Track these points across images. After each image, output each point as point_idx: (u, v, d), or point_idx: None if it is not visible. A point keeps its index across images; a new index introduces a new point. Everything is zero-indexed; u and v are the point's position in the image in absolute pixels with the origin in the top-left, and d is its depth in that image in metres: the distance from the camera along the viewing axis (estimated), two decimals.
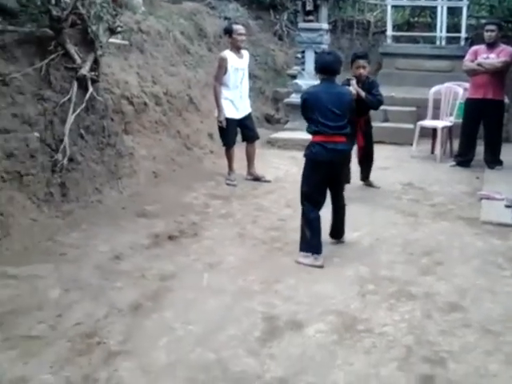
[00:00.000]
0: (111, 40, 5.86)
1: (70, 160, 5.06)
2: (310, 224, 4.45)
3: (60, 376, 2.91)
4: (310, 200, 4.49)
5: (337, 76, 4.57)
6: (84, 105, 5.26)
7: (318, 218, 4.48)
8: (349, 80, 5.93)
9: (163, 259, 4.41)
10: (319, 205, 4.51)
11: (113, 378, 2.92)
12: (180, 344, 3.25)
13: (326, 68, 4.50)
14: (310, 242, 4.44)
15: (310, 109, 4.47)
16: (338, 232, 4.82)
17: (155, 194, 5.87)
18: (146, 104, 6.48)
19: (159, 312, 3.60)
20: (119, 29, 5.76)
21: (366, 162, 6.41)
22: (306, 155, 4.55)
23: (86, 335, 3.29)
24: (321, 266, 4.36)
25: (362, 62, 5.96)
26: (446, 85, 8.33)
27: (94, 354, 3.11)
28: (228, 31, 6.46)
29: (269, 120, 9.82)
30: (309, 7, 8.66)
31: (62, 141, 5.00)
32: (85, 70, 5.30)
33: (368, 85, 6.02)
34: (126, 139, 6.00)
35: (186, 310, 3.62)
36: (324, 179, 4.50)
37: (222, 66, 6.31)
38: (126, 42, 6.66)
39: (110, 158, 5.57)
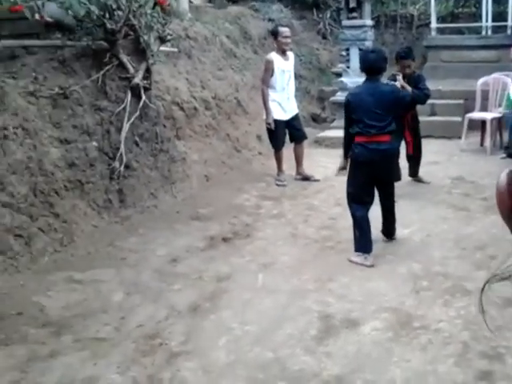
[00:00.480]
0: (161, 48, 6.03)
1: (126, 167, 5.25)
2: (358, 224, 4.50)
3: (127, 376, 3.06)
4: (356, 200, 4.52)
5: (383, 74, 4.59)
6: (138, 113, 5.44)
7: (366, 217, 4.49)
8: (395, 75, 5.91)
9: (218, 261, 4.52)
10: (366, 205, 4.52)
11: (176, 377, 3.04)
12: (238, 344, 3.33)
13: (370, 67, 4.48)
14: (360, 242, 4.48)
15: (353, 110, 4.48)
16: (388, 230, 4.84)
17: (208, 197, 6.00)
18: (195, 109, 6.62)
19: (217, 312, 3.70)
20: (169, 37, 5.92)
21: (415, 158, 6.38)
22: (349, 156, 4.58)
23: (149, 336, 3.42)
24: (370, 266, 4.38)
25: (406, 62, 5.95)
26: (494, 75, 8.16)
27: (157, 355, 3.23)
28: (274, 33, 6.54)
29: (315, 119, 9.83)
30: (352, 4, 8.67)
31: (118, 149, 5.19)
32: (138, 79, 5.47)
33: (414, 79, 5.98)
34: (178, 144, 6.15)
35: (242, 310, 3.71)
36: (368, 179, 4.50)
37: (269, 69, 6.38)
38: (175, 49, 6.82)
39: (163, 163, 5.74)
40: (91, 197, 4.96)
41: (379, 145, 4.43)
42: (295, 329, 3.47)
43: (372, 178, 4.52)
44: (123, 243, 4.81)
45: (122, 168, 5.16)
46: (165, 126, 5.95)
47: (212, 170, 6.54)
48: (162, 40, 5.89)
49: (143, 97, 5.52)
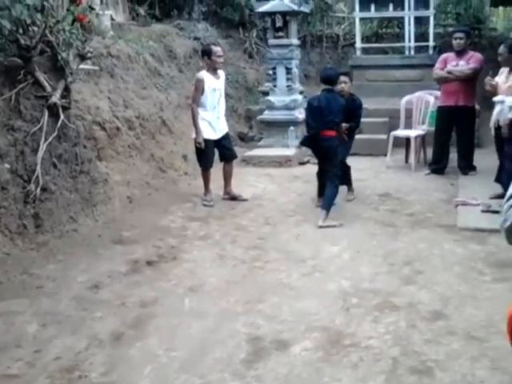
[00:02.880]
0: (81, 66, 5.81)
1: (43, 190, 4.97)
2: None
3: None
4: None
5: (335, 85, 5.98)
6: (56, 133, 5.19)
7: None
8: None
9: (143, 285, 4.34)
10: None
11: None
12: (165, 371, 3.19)
13: (328, 79, 5.93)
14: None
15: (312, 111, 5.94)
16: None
17: (131, 219, 5.80)
18: (118, 129, 6.43)
19: (142, 340, 3.54)
20: (89, 54, 5.71)
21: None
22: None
23: (67, 369, 3.20)
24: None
25: (343, 78, 6.23)
26: (417, 94, 8.42)
27: None
28: (207, 53, 6.43)
29: (242, 138, 9.81)
30: (278, 23, 8.73)
31: (34, 171, 4.91)
32: (55, 98, 5.23)
33: (350, 102, 6.19)
34: (100, 165, 5.93)
35: (169, 336, 3.57)
36: None
37: (199, 87, 6.29)
38: (96, 68, 6.61)
39: (83, 185, 5.49)
40: (3, 222, 4.64)
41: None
42: (224, 353, 3.37)
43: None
44: (40, 271, 4.52)
45: (38, 191, 4.87)
46: (85, 146, 5.71)
47: (136, 192, 6.33)
48: (82, 57, 5.67)
49: (61, 116, 5.28)
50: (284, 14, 8.66)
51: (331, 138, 5.85)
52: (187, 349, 3.41)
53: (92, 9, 5.99)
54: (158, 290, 4.26)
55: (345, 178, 6.39)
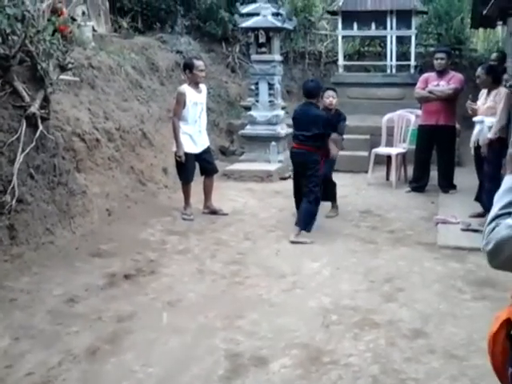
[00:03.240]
0: (61, 77, 5.74)
1: (19, 201, 4.87)
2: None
3: None
4: None
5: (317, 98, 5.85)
6: (34, 144, 5.11)
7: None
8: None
9: (120, 300, 4.27)
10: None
11: None
12: None
13: (308, 92, 5.80)
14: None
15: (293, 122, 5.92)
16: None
17: (110, 232, 5.72)
18: (98, 140, 6.35)
19: (118, 355, 3.47)
20: (70, 65, 5.65)
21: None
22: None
23: None
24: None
25: (331, 92, 6.36)
26: (398, 112, 8.49)
27: None
28: (189, 66, 6.41)
29: (224, 152, 9.79)
30: (261, 39, 8.74)
31: (10, 181, 4.81)
32: (34, 108, 5.16)
33: (336, 117, 6.30)
34: (78, 177, 5.84)
35: (146, 352, 3.51)
36: None
37: (181, 101, 6.26)
38: (77, 79, 6.54)
39: (61, 197, 5.40)
40: None
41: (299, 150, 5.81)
42: (202, 369, 3.31)
43: None
44: (14, 283, 4.41)
45: (13, 202, 4.77)
46: (64, 157, 5.63)
47: (114, 204, 6.24)
48: (63, 68, 5.61)
49: (40, 127, 5.20)
50: (267, 30, 8.69)
51: (304, 152, 5.72)
52: (164, 365, 3.36)
53: (73, 20, 5.96)
54: (136, 304, 4.19)
55: (329, 194, 6.37)
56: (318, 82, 6.09)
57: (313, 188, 5.70)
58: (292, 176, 6.28)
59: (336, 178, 6.78)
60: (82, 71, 6.75)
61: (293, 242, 5.55)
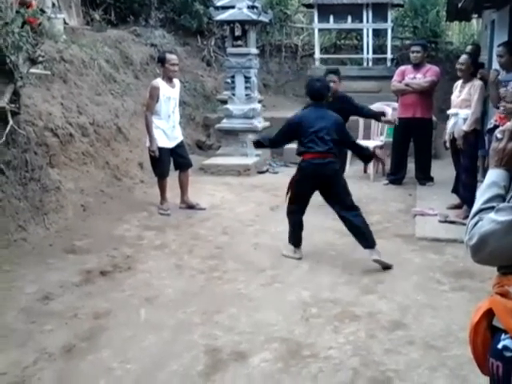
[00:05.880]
0: (32, 70, 5.61)
1: None
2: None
3: None
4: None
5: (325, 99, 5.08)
6: (4, 139, 4.98)
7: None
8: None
9: (96, 296, 4.20)
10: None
11: None
12: None
13: (314, 93, 4.99)
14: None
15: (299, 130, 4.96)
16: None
17: (85, 228, 5.62)
18: (71, 135, 6.24)
19: (95, 353, 3.42)
20: (40, 58, 5.52)
21: None
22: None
23: None
24: (299, 258, 4.97)
25: (332, 76, 6.31)
26: (376, 105, 8.47)
27: None
28: (161, 60, 6.34)
29: (200, 146, 9.71)
30: (237, 32, 8.67)
31: None
32: (3, 102, 5.03)
33: (341, 99, 6.29)
34: (52, 172, 5.74)
35: (123, 349, 3.46)
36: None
37: (154, 95, 6.17)
38: (48, 72, 6.41)
39: (34, 193, 5.29)
40: None
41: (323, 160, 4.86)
42: (180, 365, 3.28)
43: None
44: None
45: None
46: (36, 153, 5.51)
47: (89, 200, 6.15)
48: (33, 61, 5.48)
49: (10, 121, 5.06)
50: (243, 22, 8.63)
51: (330, 162, 4.86)
52: (142, 361, 3.32)
53: (43, 12, 5.81)
54: (112, 300, 4.14)
55: None
56: (325, 82, 5.27)
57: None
58: (299, 191, 5.02)
59: None
60: (53, 65, 6.63)
61: (377, 261, 4.72)
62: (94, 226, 5.70)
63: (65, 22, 8.03)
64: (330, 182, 4.86)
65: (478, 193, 1.82)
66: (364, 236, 4.78)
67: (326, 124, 4.84)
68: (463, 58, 6.00)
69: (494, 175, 1.80)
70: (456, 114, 6.01)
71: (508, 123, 1.83)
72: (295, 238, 5.07)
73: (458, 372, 3.16)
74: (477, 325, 1.79)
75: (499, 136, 1.81)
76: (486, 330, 1.77)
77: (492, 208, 1.71)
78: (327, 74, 6.25)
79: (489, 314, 1.75)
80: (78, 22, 9.02)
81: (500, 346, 1.70)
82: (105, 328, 3.73)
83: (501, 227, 1.65)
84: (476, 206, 1.78)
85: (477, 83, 5.90)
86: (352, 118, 8.73)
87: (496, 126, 5.14)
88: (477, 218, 1.73)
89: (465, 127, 5.85)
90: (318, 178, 4.85)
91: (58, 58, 6.82)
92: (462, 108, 5.95)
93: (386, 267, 4.70)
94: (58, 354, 3.38)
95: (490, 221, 1.67)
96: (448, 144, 6.15)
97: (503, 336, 1.70)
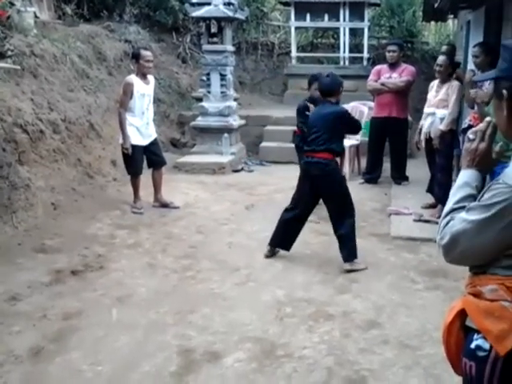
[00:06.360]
0: (1, 64, 5.47)
1: None
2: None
3: None
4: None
5: (335, 96, 4.85)
6: None
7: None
8: (306, 104, 6.05)
9: (67, 296, 4.12)
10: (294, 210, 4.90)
11: None
12: None
13: (322, 89, 4.90)
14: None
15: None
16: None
17: (55, 226, 5.51)
18: (42, 132, 6.10)
19: (64, 354, 3.35)
20: (9, 52, 5.40)
21: None
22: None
23: None
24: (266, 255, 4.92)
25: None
26: (352, 104, 8.49)
27: None
28: (135, 56, 6.25)
29: (175, 144, 9.61)
30: (213, 29, 8.59)
31: None
32: None
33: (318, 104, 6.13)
34: (21, 170, 5.60)
35: (94, 350, 3.41)
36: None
37: (128, 92, 6.07)
38: (18, 67, 6.25)
39: (2, 190, 5.14)
40: None
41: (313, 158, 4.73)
42: (153, 366, 3.24)
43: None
44: None
45: None
46: (4, 149, 5.37)
47: (60, 198, 6.02)
48: (1, 55, 5.38)
49: None
50: (219, 19, 8.55)
51: (319, 162, 4.72)
52: (114, 363, 3.28)
53: (12, 4, 5.67)
54: (83, 300, 4.07)
55: None
56: (336, 77, 4.94)
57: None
58: (297, 190, 4.95)
59: (287, 169, 6.74)
60: (23, 59, 6.48)
61: (349, 270, 4.66)
62: (65, 224, 5.59)
63: (35, 16, 7.84)
64: (319, 183, 4.73)
65: (451, 193, 1.82)
66: (344, 246, 4.71)
67: (321, 121, 4.75)
68: (441, 59, 6.00)
69: (466, 175, 1.81)
70: (433, 114, 6.03)
71: (480, 124, 1.83)
72: (274, 236, 4.95)
73: (431, 371, 3.17)
74: (450, 325, 1.79)
75: (471, 137, 1.82)
76: (459, 330, 1.77)
77: (464, 208, 1.71)
78: (312, 82, 6.15)
79: (462, 314, 1.75)
80: (49, 15, 8.83)
81: (473, 345, 1.70)
82: (75, 329, 3.66)
83: (472, 226, 1.66)
84: (448, 206, 1.78)
85: (454, 84, 5.92)
86: None
87: (470, 126, 5.17)
88: (448, 218, 1.74)
89: (442, 127, 5.88)
90: (309, 178, 4.77)
91: (28, 52, 6.66)
92: (438, 108, 5.97)
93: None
94: (25, 357, 3.31)
95: (461, 220, 1.68)
96: (423, 144, 6.16)
97: (476, 336, 1.70)
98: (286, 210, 4.92)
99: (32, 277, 4.40)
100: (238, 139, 9.14)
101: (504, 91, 1.70)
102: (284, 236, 4.92)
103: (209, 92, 8.81)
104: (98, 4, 10.50)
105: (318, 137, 4.70)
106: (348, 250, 4.68)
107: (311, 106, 5.91)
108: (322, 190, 4.79)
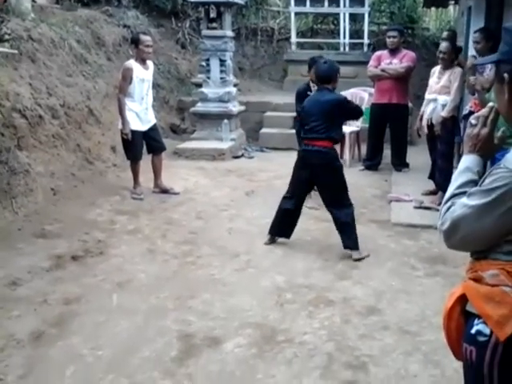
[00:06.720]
0: None
1: None
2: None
3: None
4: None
5: (332, 82, 4.79)
6: None
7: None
8: (306, 89, 6.05)
9: (67, 282, 4.12)
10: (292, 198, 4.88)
11: None
12: (90, 372, 3.04)
13: (319, 76, 4.83)
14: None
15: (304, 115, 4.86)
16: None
17: (55, 212, 5.49)
18: (41, 117, 6.06)
19: (65, 339, 3.36)
20: (6, 36, 5.35)
21: None
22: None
23: None
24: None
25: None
26: (352, 90, 8.45)
27: None
28: (135, 41, 6.21)
29: (174, 130, 9.58)
30: (212, 14, 8.52)
31: None
32: None
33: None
34: (20, 155, 5.57)
35: (94, 335, 3.41)
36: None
37: (127, 77, 6.04)
38: (15, 51, 6.19)
39: (1, 176, 5.13)
40: None
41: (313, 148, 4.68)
42: (153, 351, 3.24)
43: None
44: None
45: None
46: (3, 134, 5.35)
47: (60, 183, 6.00)
48: None
49: None
50: (218, 4, 8.49)
51: (319, 150, 4.68)
52: (114, 347, 3.28)
53: None
54: (84, 286, 4.06)
55: None
56: (333, 64, 4.87)
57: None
58: (293, 177, 4.93)
59: (289, 156, 6.71)
60: (20, 43, 6.43)
61: (358, 259, 4.64)
62: (64, 210, 5.58)
63: (33, 0, 7.77)
64: (318, 172, 4.68)
65: (452, 178, 1.81)
66: (346, 235, 4.68)
67: (319, 109, 4.66)
68: (445, 46, 5.94)
69: (467, 161, 1.80)
70: (435, 100, 6.00)
71: (482, 109, 1.81)
72: (273, 224, 4.94)
73: (431, 357, 3.18)
74: (450, 310, 1.79)
75: (473, 122, 1.81)
76: (460, 316, 1.77)
77: (465, 193, 1.71)
78: (313, 65, 5.94)
79: (462, 299, 1.75)
80: (46, 0, 8.76)
81: (473, 330, 1.70)
82: (75, 314, 3.66)
83: (472, 211, 1.65)
84: (449, 192, 1.78)
85: (457, 70, 5.88)
86: None
87: (471, 112, 5.16)
88: (449, 203, 1.73)
89: (444, 113, 5.85)
90: (308, 167, 4.71)
91: (25, 36, 6.60)
92: (440, 94, 5.94)
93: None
94: (26, 341, 3.31)
95: (462, 205, 1.67)
96: (426, 129, 6.14)
97: (476, 321, 1.70)
98: (285, 198, 4.90)
99: (32, 262, 4.39)
100: (237, 125, 9.11)
101: (505, 75, 1.67)
102: (284, 224, 4.91)
103: (208, 78, 8.76)
104: None
105: (317, 125, 4.65)
106: (353, 239, 4.66)
107: (314, 88, 5.82)
108: (320, 179, 4.76)
